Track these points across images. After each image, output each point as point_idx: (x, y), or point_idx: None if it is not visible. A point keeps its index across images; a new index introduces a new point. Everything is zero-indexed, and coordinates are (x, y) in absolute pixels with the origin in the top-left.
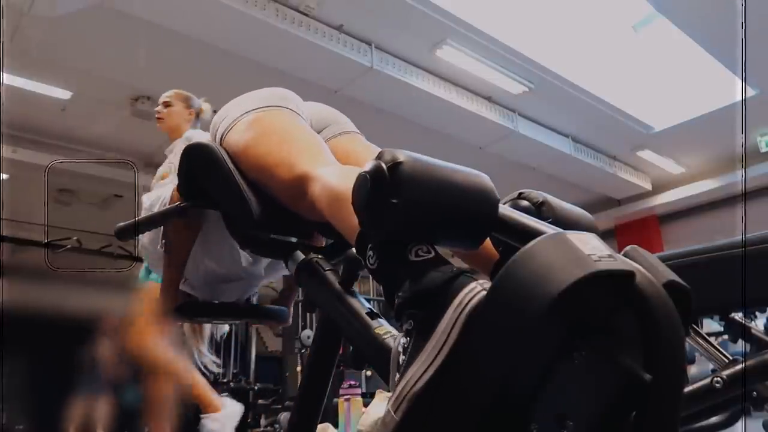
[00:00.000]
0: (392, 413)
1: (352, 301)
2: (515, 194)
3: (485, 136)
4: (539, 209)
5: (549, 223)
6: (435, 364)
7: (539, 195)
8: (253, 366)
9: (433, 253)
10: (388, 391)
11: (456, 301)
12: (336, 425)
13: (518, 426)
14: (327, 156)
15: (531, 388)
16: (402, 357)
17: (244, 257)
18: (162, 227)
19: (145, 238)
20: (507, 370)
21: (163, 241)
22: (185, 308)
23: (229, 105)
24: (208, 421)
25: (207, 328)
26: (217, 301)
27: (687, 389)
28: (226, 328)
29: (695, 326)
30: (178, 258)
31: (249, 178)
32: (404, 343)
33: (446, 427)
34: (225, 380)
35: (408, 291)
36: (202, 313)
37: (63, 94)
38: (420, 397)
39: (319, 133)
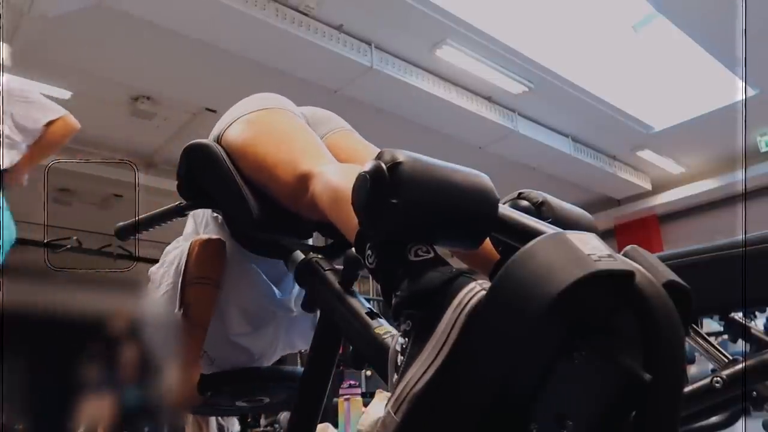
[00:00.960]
0: (392, 414)
1: (352, 301)
2: (515, 194)
3: (485, 136)
4: (539, 209)
5: (549, 223)
6: (435, 364)
7: (539, 195)
8: None
9: (432, 254)
10: (388, 391)
11: (455, 302)
12: (336, 425)
13: (518, 426)
14: (326, 154)
15: (531, 388)
16: (400, 357)
17: (276, 290)
18: (179, 289)
19: (158, 305)
20: (507, 370)
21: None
22: (210, 382)
23: (225, 113)
24: None
25: (213, 426)
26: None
27: (687, 389)
28: (237, 426)
29: (695, 326)
30: (200, 322)
31: (248, 177)
32: (402, 344)
33: (447, 428)
34: None
35: (406, 291)
36: (230, 381)
37: (63, 94)
38: (420, 397)
39: None
